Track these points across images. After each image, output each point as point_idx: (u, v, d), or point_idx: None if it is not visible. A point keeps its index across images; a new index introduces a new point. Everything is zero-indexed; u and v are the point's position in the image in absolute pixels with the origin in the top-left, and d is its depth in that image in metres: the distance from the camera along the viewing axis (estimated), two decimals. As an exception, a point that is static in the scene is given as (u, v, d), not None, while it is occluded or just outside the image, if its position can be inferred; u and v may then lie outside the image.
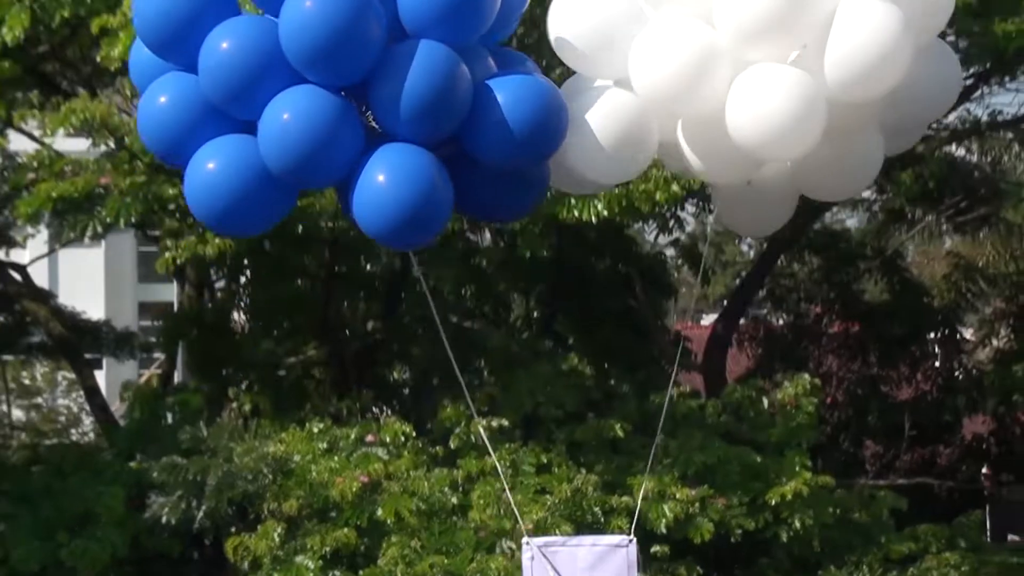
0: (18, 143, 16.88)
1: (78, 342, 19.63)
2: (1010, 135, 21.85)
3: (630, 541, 5.74)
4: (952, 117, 20.25)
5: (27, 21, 12.51)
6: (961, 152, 22.33)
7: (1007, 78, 18.98)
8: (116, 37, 12.25)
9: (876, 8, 4.63)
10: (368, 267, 17.99)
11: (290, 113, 4.59)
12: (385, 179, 4.65)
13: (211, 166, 4.75)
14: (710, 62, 4.82)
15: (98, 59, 13.20)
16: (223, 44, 4.64)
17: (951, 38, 18.00)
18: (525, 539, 5.69)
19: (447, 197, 4.81)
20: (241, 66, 4.64)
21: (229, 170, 4.73)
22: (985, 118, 20.23)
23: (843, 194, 5.74)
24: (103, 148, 13.99)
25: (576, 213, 12.68)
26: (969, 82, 19.03)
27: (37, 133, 15.22)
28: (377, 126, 4.83)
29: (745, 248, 34.16)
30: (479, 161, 4.93)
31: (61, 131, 13.27)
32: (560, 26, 5.21)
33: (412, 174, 4.68)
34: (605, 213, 12.70)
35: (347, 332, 17.71)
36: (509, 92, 4.82)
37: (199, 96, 4.77)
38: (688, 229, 23.06)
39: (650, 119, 5.06)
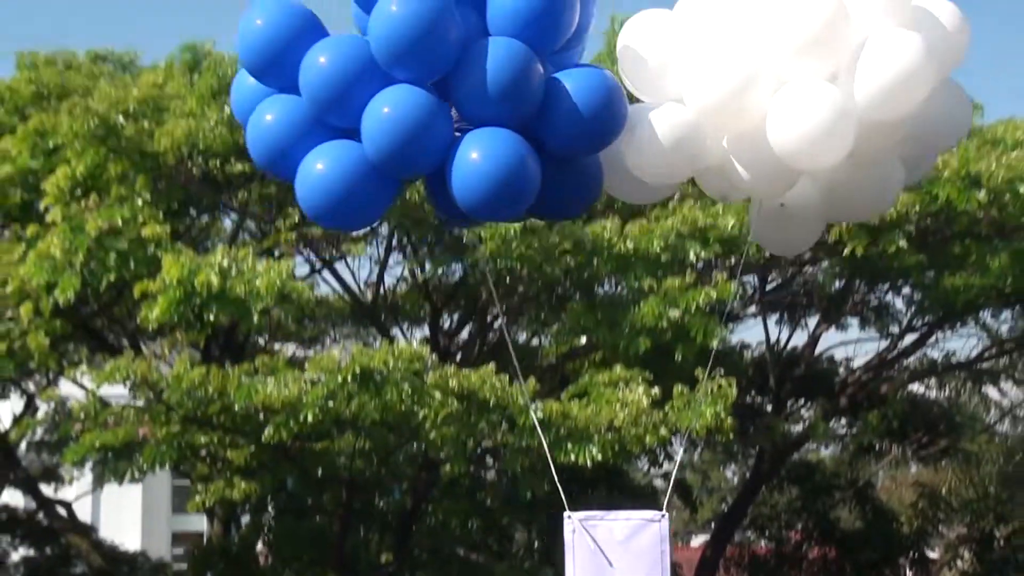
0: (68, 386, 16.89)
1: (115, 574, 19.27)
2: (963, 375, 21.92)
3: (662, 516, 5.54)
4: (912, 359, 20.44)
5: (78, 284, 12.62)
6: (921, 390, 22.39)
7: (958, 324, 19.14)
8: (154, 301, 12.31)
9: (903, 37, 4.80)
10: (381, 504, 17.76)
11: (389, 107, 4.71)
12: (478, 156, 4.74)
13: (320, 167, 4.83)
14: (754, 80, 4.97)
15: (138, 320, 13.25)
16: (320, 59, 4.80)
17: (906, 290, 18.32)
18: (567, 513, 5.47)
19: (535, 169, 4.85)
20: (338, 77, 4.78)
21: (336, 169, 4.82)
22: (940, 360, 20.43)
23: (866, 215, 5.75)
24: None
25: (573, 457, 12.54)
26: (924, 329, 19.26)
27: (86, 380, 15.23)
28: (459, 118, 4.91)
29: (729, 475, 33.90)
30: (549, 149, 4.95)
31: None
32: (627, 55, 5.42)
33: (503, 149, 4.76)
34: (599, 457, 12.56)
35: (362, 564, 17.34)
36: (577, 81, 4.92)
37: (300, 112, 4.92)
38: (676, 458, 22.91)
39: (702, 130, 5.17)
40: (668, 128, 5.14)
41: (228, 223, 16.64)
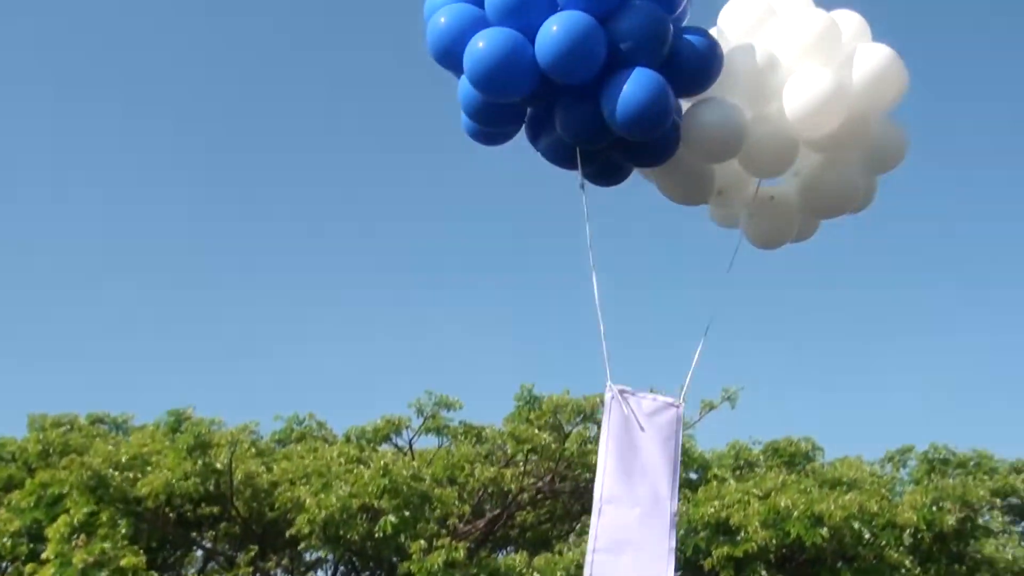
0: None
1: None
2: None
3: (680, 403, 5.58)
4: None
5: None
6: None
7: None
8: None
9: (880, 48, 5.46)
10: None
11: (558, 24, 5.11)
12: (630, 85, 5.13)
13: (481, 44, 5.22)
14: (772, 68, 5.48)
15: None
16: None
17: None
18: (609, 384, 5.48)
19: (672, 97, 5.23)
20: None
21: (491, 45, 5.20)
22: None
23: (835, 211, 6.03)
24: None
25: None
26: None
27: None
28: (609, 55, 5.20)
29: None
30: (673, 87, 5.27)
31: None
32: None
33: (650, 80, 5.16)
34: None
35: None
36: (692, 37, 5.38)
37: (470, 16, 5.36)
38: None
39: (740, 111, 5.51)
40: (719, 112, 5.51)
41: (200, 554, 16.36)
